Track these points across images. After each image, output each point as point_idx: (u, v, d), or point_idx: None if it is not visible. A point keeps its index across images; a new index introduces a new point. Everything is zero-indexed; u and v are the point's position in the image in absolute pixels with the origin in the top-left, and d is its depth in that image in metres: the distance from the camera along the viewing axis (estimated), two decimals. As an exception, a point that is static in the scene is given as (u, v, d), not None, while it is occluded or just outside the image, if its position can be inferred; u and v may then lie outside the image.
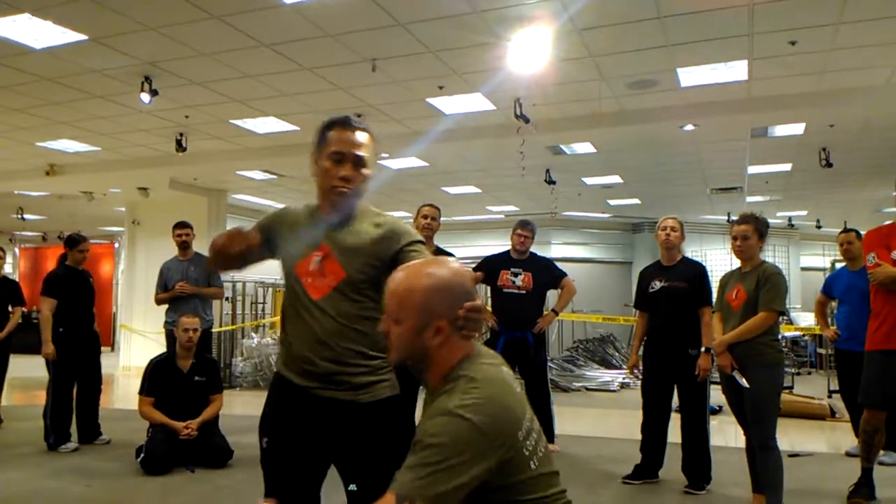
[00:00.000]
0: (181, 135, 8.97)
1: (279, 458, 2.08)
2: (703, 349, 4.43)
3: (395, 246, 2.07)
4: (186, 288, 6.07)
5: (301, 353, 2.06)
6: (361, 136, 2.09)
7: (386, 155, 9.80)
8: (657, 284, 4.66)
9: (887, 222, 4.55)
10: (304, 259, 2.08)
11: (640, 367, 4.79)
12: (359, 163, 2.07)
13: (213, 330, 7.48)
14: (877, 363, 4.03)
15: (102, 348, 6.21)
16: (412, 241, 2.08)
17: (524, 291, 5.56)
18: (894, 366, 3.93)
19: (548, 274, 5.73)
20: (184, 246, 6.30)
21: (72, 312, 5.81)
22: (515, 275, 5.59)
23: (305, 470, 2.08)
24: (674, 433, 4.64)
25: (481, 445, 1.45)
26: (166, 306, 6.20)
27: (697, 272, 4.65)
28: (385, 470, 2.06)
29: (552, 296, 6.00)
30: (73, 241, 5.98)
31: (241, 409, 7.61)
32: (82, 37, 5.86)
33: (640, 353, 4.80)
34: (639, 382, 4.87)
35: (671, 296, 4.59)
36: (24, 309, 6.81)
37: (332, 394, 2.04)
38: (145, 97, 6.87)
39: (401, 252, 2.04)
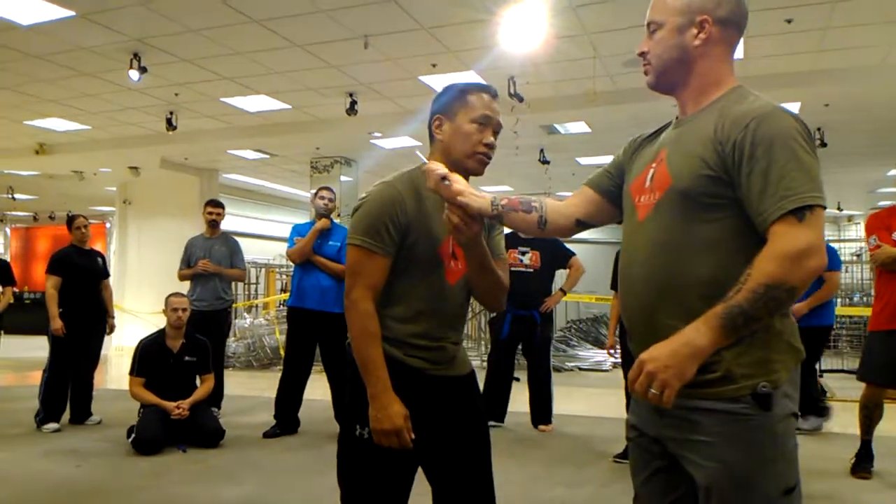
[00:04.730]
0: (171, 113, 8.88)
1: (382, 449, 1.88)
2: None
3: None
4: (209, 266, 6.05)
5: (431, 334, 1.96)
6: (499, 107, 2.05)
7: (378, 134, 9.73)
8: None
9: (883, 203, 4.71)
10: (445, 240, 1.97)
11: (619, 348, 4.92)
12: (498, 132, 2.02)
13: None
14: (880, 343, 4.21)
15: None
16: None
17: (532, 270, 5.66)
18: None
19: (555, 253, 5.79)
20: (213, 224, 6.28)
21: (74, 291, 5.83)
22: (523, 253, 5.67)
23: (408, 459, 1.92)
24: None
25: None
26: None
27: None
28: (486, 437, 2.08)
29: (559, 275, 6.04)
30: (68, 221, 6.11)
31: (235, 389, 7.60)
32: (70, 12, 5.76)
33: (618, 333, 4.90)
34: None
35: None
36: (15, 289, 6.77)
37: (444, 372, 2.00)
38: (134, 74, 6.79)
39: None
